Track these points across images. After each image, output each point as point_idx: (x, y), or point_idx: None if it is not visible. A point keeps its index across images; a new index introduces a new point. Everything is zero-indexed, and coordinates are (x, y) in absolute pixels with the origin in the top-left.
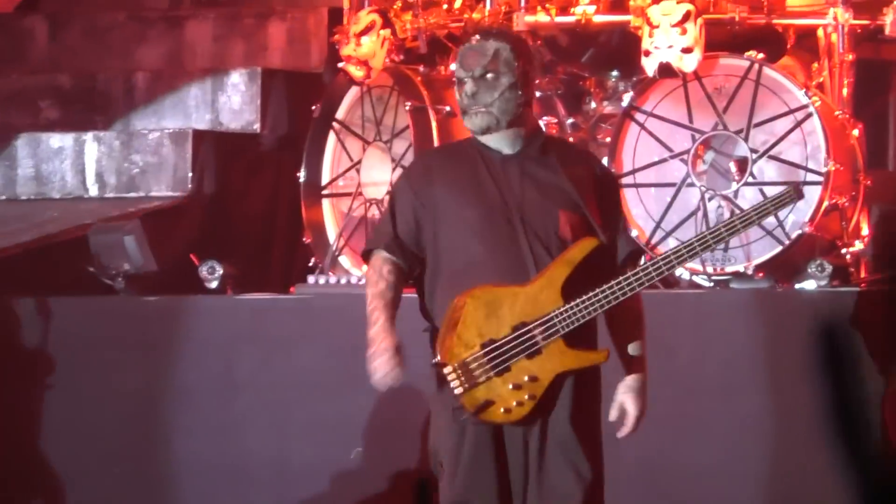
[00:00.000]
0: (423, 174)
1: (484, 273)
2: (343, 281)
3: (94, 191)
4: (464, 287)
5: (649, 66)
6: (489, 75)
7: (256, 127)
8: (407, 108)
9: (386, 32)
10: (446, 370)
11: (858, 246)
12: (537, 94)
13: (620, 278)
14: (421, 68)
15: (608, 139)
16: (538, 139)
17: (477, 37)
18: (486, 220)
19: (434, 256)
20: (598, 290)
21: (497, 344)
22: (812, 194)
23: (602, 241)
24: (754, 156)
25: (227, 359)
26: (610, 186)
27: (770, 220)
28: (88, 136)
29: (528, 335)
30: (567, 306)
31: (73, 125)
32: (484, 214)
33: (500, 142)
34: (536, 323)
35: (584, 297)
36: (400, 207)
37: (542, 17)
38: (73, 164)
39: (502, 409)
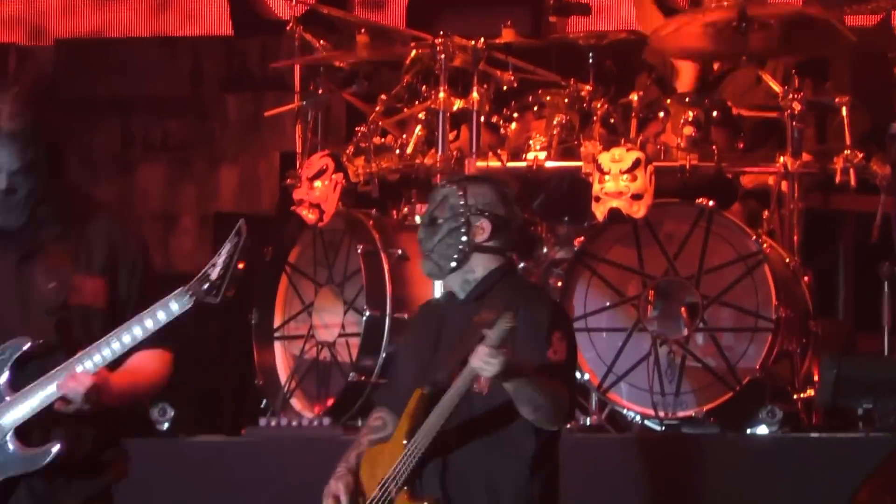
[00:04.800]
0: (407, 329)
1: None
2: (294, 423)
3: None
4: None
5: (600, 211)
6: (435, 221)
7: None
8: (359, 251)
9: (338, 176)
10: None
11: (809, 392)
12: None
13: None
14: (373, 212)
15: (560, 284)
16: (487, 283)
17: (443, 182)
18: (416, 382)
19: None
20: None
21: (369, 501)
22: (763, 341)
23: (428, 391)
24: (705, 301)
25: (177, 502)
26: (543, 331)
27: (720, 366)
28: None
29: (385, 490)
30: (400, 458)
31: None
32: (416, 375)
33: (454, 286)
34: (388, 477)
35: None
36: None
37: (493, 163)
38: None
39: None
